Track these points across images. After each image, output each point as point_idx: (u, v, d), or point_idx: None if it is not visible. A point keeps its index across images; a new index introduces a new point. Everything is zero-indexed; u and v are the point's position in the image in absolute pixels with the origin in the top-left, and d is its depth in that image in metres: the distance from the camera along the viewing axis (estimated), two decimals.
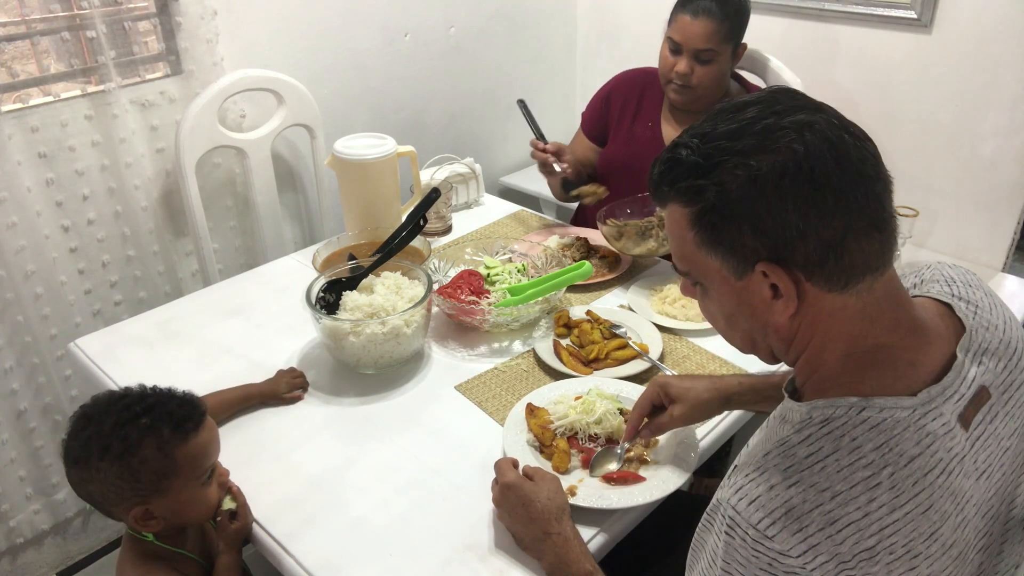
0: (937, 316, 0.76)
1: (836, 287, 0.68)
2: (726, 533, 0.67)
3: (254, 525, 1.03)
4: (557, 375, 1.30)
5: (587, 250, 1.66)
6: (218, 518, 1.01)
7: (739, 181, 0.66)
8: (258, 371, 1.30)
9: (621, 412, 1.15)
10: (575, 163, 1.79)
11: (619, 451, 1.10)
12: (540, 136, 1.75)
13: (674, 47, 1.65)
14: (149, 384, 1.00)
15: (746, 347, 0.80)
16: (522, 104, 1.78)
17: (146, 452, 0.91)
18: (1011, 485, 0.77)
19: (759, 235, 0.67)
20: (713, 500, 0.72)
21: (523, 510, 0.96)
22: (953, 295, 0.79)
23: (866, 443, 0.66)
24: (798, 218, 0.66)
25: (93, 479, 0.92)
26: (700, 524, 0.74)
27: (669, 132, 1.80)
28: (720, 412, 1.10)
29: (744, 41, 1.68)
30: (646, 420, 1.10)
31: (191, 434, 0.94)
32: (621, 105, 1.85)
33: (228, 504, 1.01)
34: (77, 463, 0.93)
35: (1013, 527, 0.79)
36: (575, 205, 2.04)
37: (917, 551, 0.65)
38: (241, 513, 1.02)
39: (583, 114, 1.94)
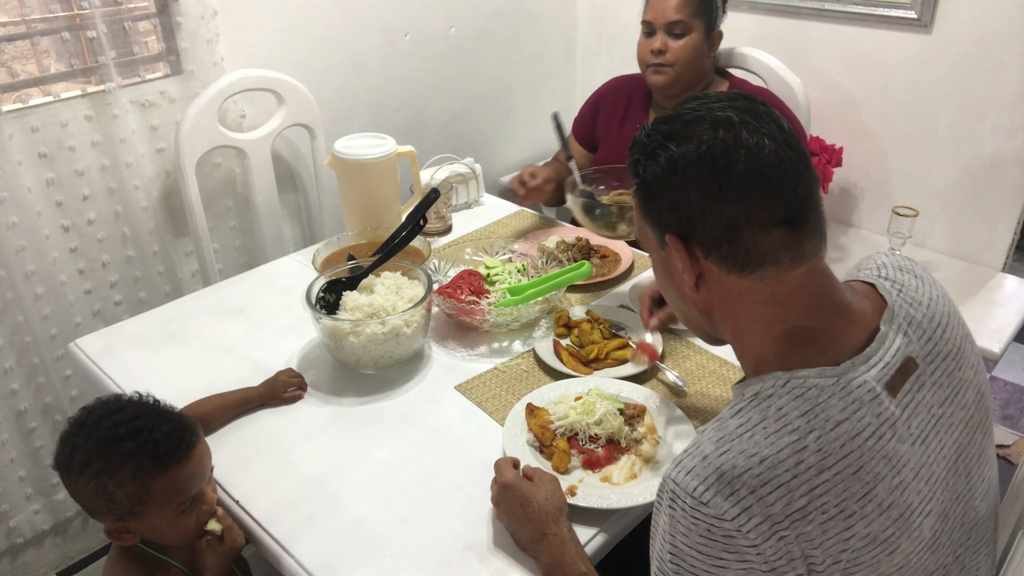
0: (863, 296, 0.81)
1: (734, 270, 0.76)
2: (668, 507, 0.72)
3: (254, 525, 1.03)
4: (557, 375, 1.30)
5: (587, 250, 1.66)
6: (208, 538, 0.99)
7: (660, 161, 0.76)
8: (258, 371, 1.30)
9: (621, 412, 1.15)
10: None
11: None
12: (566, 148, 1.71)
13: (648, 29, 1.69)
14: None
15: (682, 318, 0.90)
16: (556, 118, 1.70)
17: (122, 477, 0.89)
18: (964, 457, 0.79)
19: (672, 211, 0.77)
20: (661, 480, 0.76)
21: (520, 510, 0.96)
22: (879, 276, 0.84)
23: (792, 411, 0.71)
24: (699, 200, 0.75)
25: (73, 488, 0.92)
26: (653, 508, 0.77)
27: None
28: None
29: (720, 30, 1.71)
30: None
31: (172, 466, 0.91)
32: (610, 110, 1.87)
33: (212, 526, 0.99)
34: (61, 469, 0.93)
35: (976, 526, 0.81)
36: None
37: (851, 511, 0.68)
38: (227, 537, 1.00)
39: (574, 120, 1.96)
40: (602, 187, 1.67)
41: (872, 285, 0.83)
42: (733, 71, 1.94)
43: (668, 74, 1.67)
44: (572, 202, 1.51)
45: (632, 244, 1.70)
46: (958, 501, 0.78)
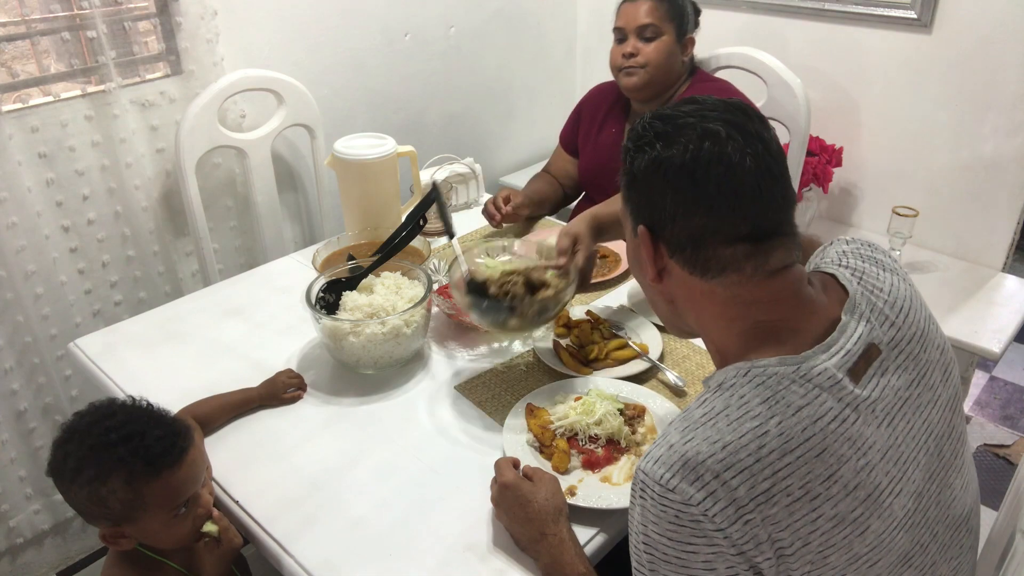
0: (824, 287, 0.83)
1: (696, 273, 0.80)
2: (639, 496, 0.74)
3: (254, 525, 1.03)
4: (557, 375, 1.30)
5: None
6: (205, 540, 0.99)
7: (646, 159, 0.79)
8: (258, 371, 1.30)
9: (621, 412, 1.15)
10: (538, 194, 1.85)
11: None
12: (448, 228, 1.40)
13: (620, 36, 1.70)
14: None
15: (650, 303, 0.93)
16: (435, 187, 1.39)
17: (115, 483, 0.89)
18: (934, 436, 0.80)
19: (647, 206, 0.81)
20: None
21: (520, 510, 0.97)
22: (840, 264, 0.86)
23: (753, 398, 0.73)
24: (672, 205, 0.78)
25: (67, 494, 0.92)
26: (630, 502, 0.78)
27: None
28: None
29: (692, 36, 1.71)
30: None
31: (164, 471, 0.91)
32: (590, 117, 1.88)
33: (209, 528, 0.99)
34: (54, 475, 0.92)
35: (954, 502, 0.82)
36: (574, 204, 2.05)
37: (816, 492, 0.70)
38: (224, 538, 1.00)
39: (562, 129, 1.97)
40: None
41: (833, 276, 0.85)
42: (733, 72, 1.94)
43: (640, 75, 1.68)
44: (457, 297, 1.28)
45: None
46: (932, 479, 0.79)
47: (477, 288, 1.23)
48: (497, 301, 1.19)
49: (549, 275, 1.27)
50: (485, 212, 1.80)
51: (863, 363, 0.76)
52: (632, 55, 1.67)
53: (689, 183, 0.76)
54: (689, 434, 0.73)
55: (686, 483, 0.69)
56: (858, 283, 0.83)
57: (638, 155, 0.80)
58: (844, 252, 0.89)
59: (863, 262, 0.87)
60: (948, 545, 0.82)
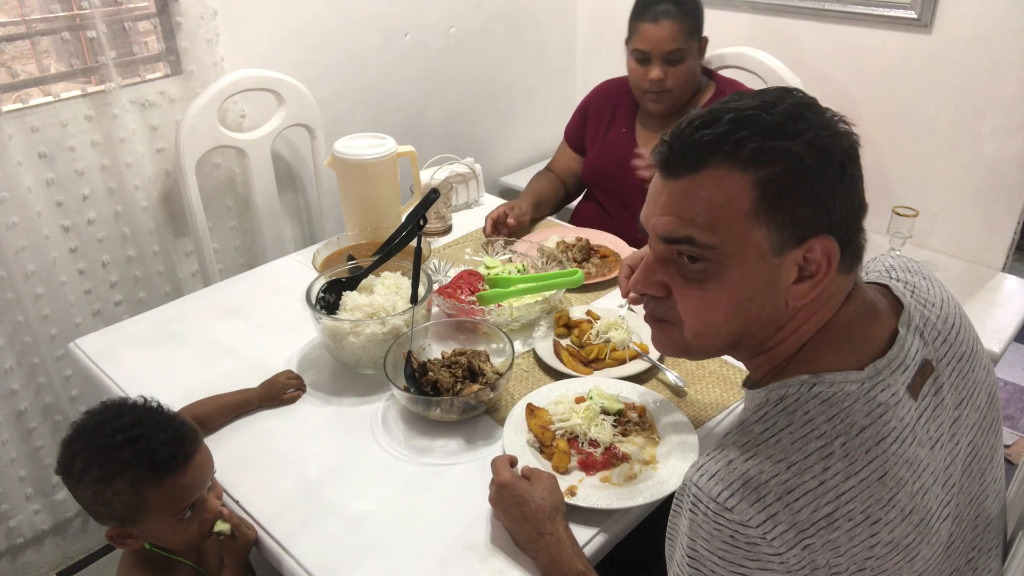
0: (881, 295, 0.80)
1: (844, 268, 0.73)
2: (690, 511, 0.70)
3: (254, 525, 1.03)
4: (557, 375, 1.30)
5: (587, 250, 1.66)
6: (220, 537, 0.99)
7: (816, 151, 0.68)
8: (258, 371, 1.30)
9: (621, 413, 1.15)
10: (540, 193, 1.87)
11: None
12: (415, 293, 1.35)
13: (642, 57, 1.66)
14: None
15: (731, 342, 0.77)
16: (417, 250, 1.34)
17: (119, 485, 0.89)
18: (977, 459, 0.79)
19: (816, 208, 0.69)
20: (680, 483, 0.74)
21: (517, 509, 0.97)
22: (891, 277, 0.84)
23: (818, 416, 0.69)
24: (850, 196, 0.71)
25: (74, 493, 0.93)
26: (671, 510, 0.76)
27: (644, 136, 1.81)
28: None
29: (705, 35, 1.68)
30: None
31: (168, 476, 0.91)
32: (597, 116, 1.88)
33: (221, 527, 0.99)
34: (62, 472, 0.93)
35: (988, 528, 0.81)
36: (574, 204, 2.05)
37: (876, 517, 0.67)
38: (238, 533, 1.00)
39: (566, 126, 1.97)
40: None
41: (886, 287, 0.82)
42: (733, 72, 1.94)
43: (668, 100, 1.66)
44: (397, 378, 1.24)
45: (633, 245, 1.70)
46: (971, 503, 0.78)
47: (414, 372, 1.22)
48: (424, 393, 1.19)
49: (488, 365, 1.26)
50: (487, 234, 1.74)
51: (919, 380, 0.74)
52: (661, 80, 1.63)
53: (853, 169, 0.70)
54: (750, 451, 0.69)
55: (746, 503, 0.66)
56: (911, 296, 0.80)
57: (804, 149, 0.68)
58: (892, 266, 0.86)
59: (911, 275, 0.84)
60: (979, 570, 0.80)
